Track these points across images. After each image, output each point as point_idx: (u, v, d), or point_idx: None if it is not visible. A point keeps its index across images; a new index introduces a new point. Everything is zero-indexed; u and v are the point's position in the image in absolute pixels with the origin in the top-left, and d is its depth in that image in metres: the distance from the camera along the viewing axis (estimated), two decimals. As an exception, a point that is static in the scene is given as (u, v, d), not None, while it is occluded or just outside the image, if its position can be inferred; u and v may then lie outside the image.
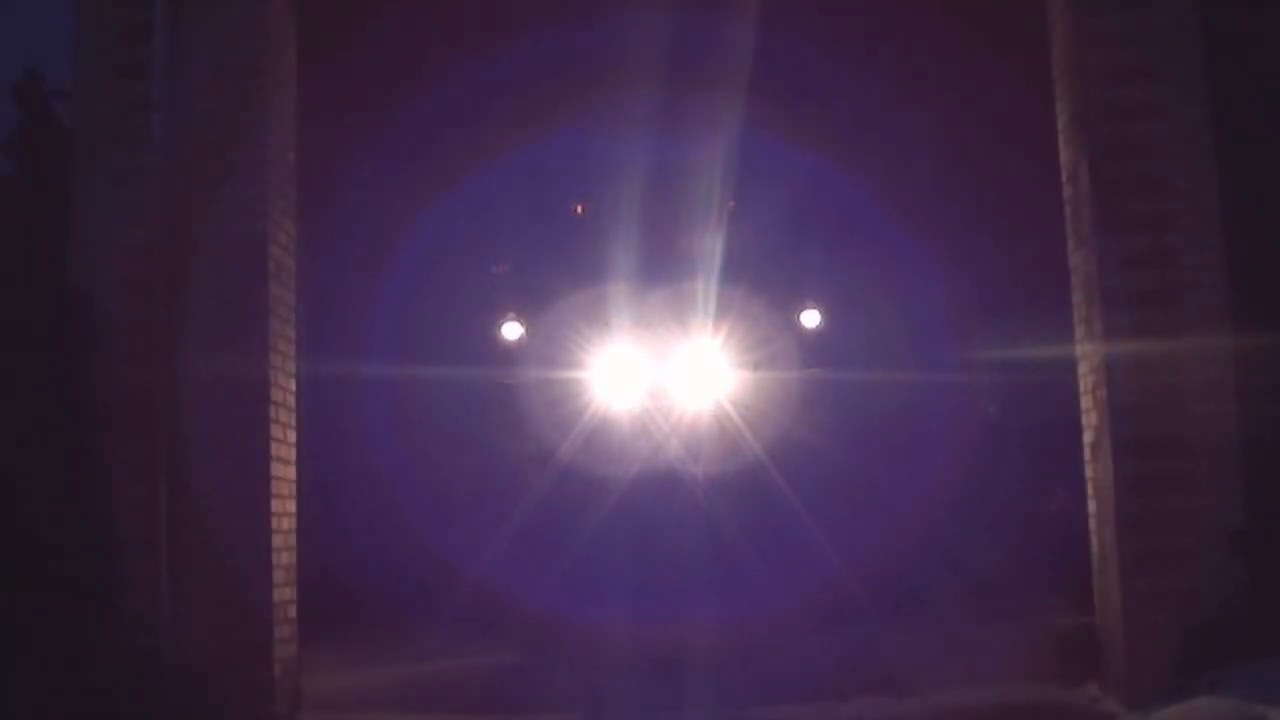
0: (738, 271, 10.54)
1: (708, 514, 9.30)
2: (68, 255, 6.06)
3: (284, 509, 6.10)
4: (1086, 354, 6.17)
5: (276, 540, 5.96)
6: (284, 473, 6.12)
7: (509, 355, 10.63)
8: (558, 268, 10.53)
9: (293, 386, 6.32)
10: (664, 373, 9.78)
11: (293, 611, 6.14)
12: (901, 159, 11.19)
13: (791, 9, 9.11)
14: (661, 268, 10.38)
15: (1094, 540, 6.17)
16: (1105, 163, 5.98)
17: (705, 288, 10.20)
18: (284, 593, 6.03)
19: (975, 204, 11.31)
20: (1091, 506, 6.19)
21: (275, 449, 6.00)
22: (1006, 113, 9.56)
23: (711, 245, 10.42)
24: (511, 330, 10.76)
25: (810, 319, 11.19)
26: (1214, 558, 5.73)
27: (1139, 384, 5.86)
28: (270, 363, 6.02)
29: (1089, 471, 6.20)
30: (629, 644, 7.76)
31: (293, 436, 6.28)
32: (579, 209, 10.96)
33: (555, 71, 9.73)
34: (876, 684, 6.41)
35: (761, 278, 10.77)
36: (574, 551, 8.87)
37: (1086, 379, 6.18)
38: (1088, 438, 6.21)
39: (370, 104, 11.10)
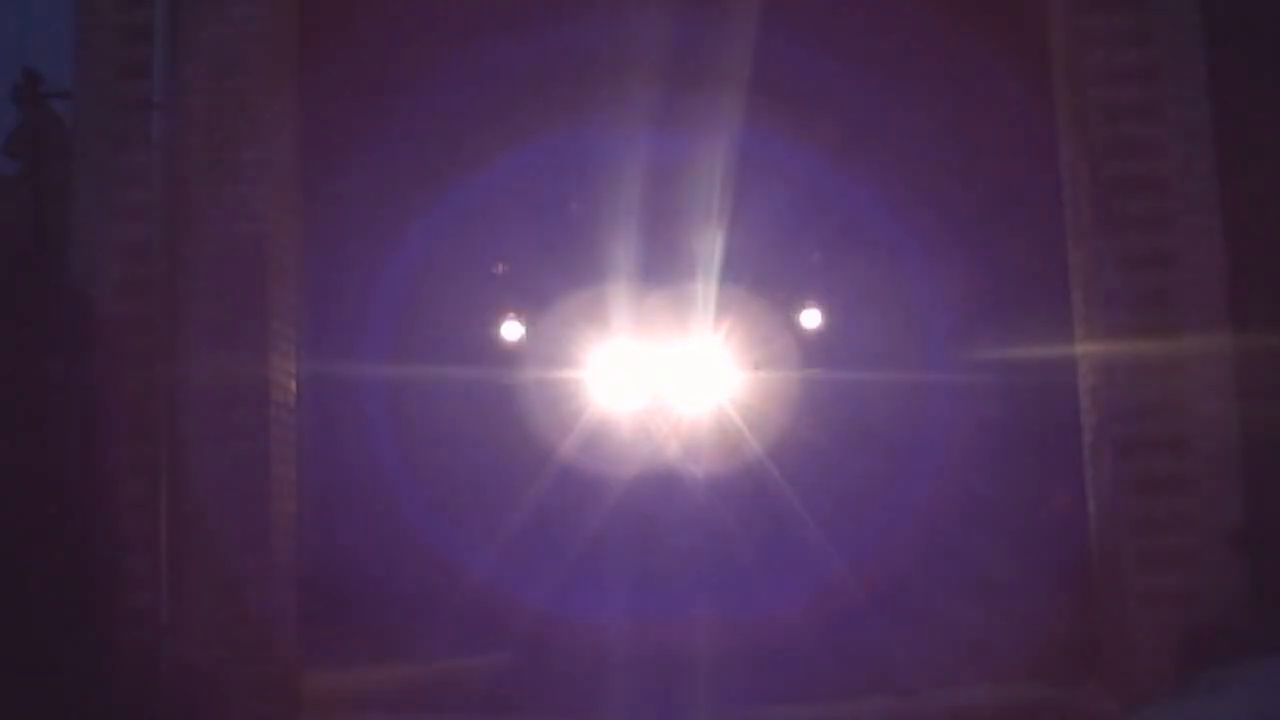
0: (738, 271, 10.54)
1: (708, 514, 9.29)
2: (68, 255, 6.05)
3: (284, 509, 6.10)
4: (1086, 354, 6.17)
5: (276, 540, 5.96)
6: (284, 473, 6.12)
7: (509, 355, 10.62)
8: (558, 268, 10.53)
9: (293, 386, 6.31)
10: (664, 373, 9.77)
11: (293, 611, 6.14)
12: (902, 159, 11.20)
13: (791, 9, 9.12)
14: (662, 268, 10.38)
15: (1094, 540, 6.17)
16: (1105, 163, 5.97)
17: (705, 288, 10.20)
18: (284, 593, 6.03)
19: (976, 204, 11.33)
20: (1091, 506, 6.19)
21: (275, 449, 6.00)
22: (1006, 113, 9.57)
23: (711, 245, 10.43)
24: (511, 330, 10.76)
25: (810, 319, 11.19)
26: (1214, 558, 5.73)
27: (1139, 384, 5.85)
28: (270, 362, 6.02)
29: (1089, 471, 6.20)
30: (629, 644, 7.76)
31: (293, 436, 6.27)
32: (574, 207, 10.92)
33: (555, 71, 9.74)
34: (876, 684, 6.41)
35: (762, 278, 10.77)
36: (574, 552, 8.87)
37: (1086, 379, 6.18)
38: (1088, 438, 6.21)
39: (370, 104, 11.11)
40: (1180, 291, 5.89)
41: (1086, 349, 6.17)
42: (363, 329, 11.24)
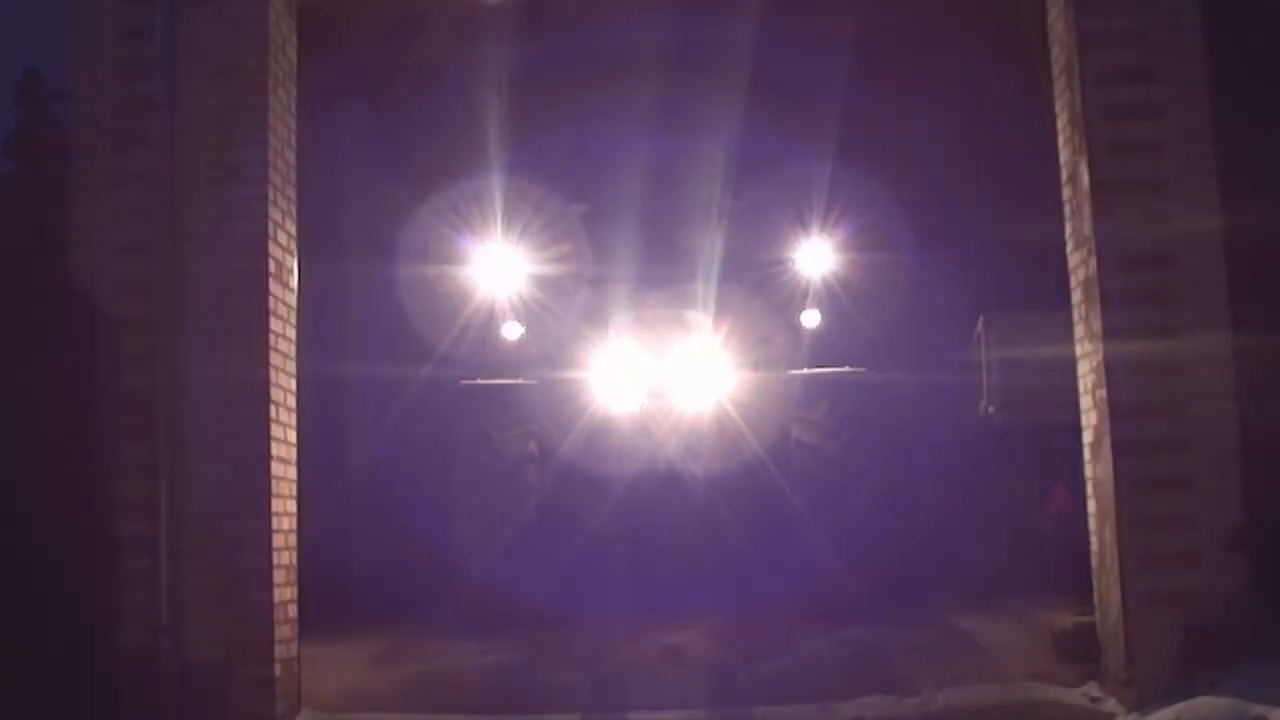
0: (738, 272, 10.55)
1: (708, 514, 9.29)
2: (68, 255, 6.05)
3: (284, 509, 6.10)
4: (1086, 354, 6.17)
5: (276, 540, 5.96)
6: (284, 473, 6.12)
7: (509, 355, 10.63)
8: (558, 267, 10.54)
9: (293, 386, 6.31)
10: (664, 373, 9.76)
11: (293, 611, 6.14)
12: (902, 159, 11.21)
13: (793, 9, 9.12)
14: (662, 268, 10.39)
15: (1094, 540, 6.17)
16: (1105, 163, 5.97)
17: (705, 288, 10.19)
18: (284, 593, 6.02)
19: (976, 204, 11.34)
20: (1091, 506, 6.19)
21: (275, 449, 6.00)
22: (1007, 113, 9.57)
23: (712, 245, 10.43)
24: (511, 330, 10.76)
25: (810, 319, 11.19)
26: (1214, 558, 5.73)
27: (1139, 384, 5.85)
28: (270, 363, 6.02)
29: (1089, 471, 6.20)
30: (629, 643, 7.77)
31: (293, 436, 6.27)
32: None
33: (555, 71, 9.75)
34: (876, 684, 6.41)
35: (762, 278, 10.78)
36: (574, 551, 8.87)
37: (1086, 379, 6.18)
38: (1088, 438, 6.21)
39: (370, 104, 11.13)
40: (1180, 291, 5.89)
41: (1086, 349, 6.17)
42: (363, 329, 11.26)
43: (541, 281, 10.57)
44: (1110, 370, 5.88)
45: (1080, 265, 6.19)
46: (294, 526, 6.22)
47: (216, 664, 5.79)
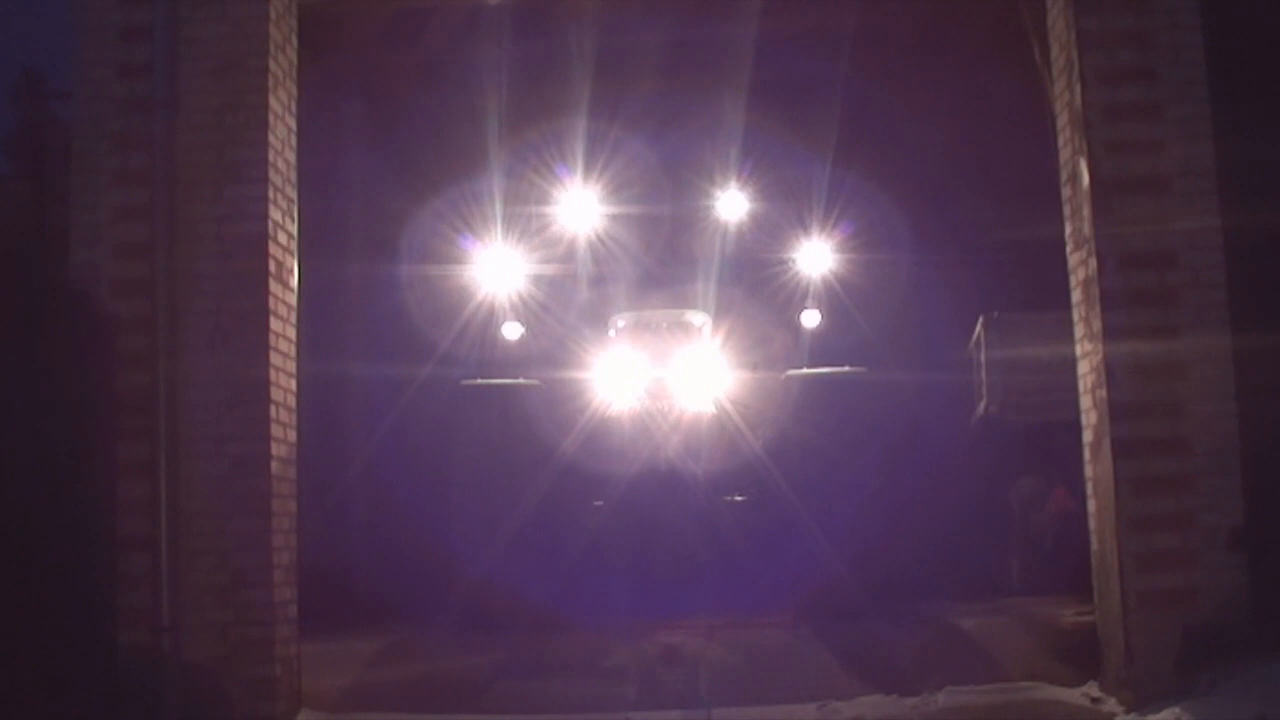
0: (738, 272, 10.56)
1: (707, 513, 9.29)
2: (68, 255, 6.06)
3: (284, 509, 6.10)
4: (1086, 354, 6.17)
5: (276, 540, 5.96)
6: (284, 472, 6.12)
7: (509, 355, 10.64)
8: (558, 266, 10.55)
9: (293, 386, 6.31)
10: (664, 372, 9.77)
11: (293, 611, 6.14)
12: (901, 159, 11.21)
13: (793, 9, 9.12)
14: (662, 267, 10.40)
15: (1094, 540, 6.17)
16: (1105, 163, 5.98)
17: (705, 288, 10.21)
18: (284, 592, 6.03)
19: (975, 204, 11.34)
20: (1091, 506, 6.19)
21: (275, 449, 6.00)
22: (1006, 112, 9.57)
23: (712, 245, 10.45)
24: (511, 330, 10.77)
25: (810, 319, 11.21)
26: (1214, 558, 5.73)
27: (1139, 384, 5.86)
28: (270, 363, 6.02)
29: (1089, 471, 6.20)
30: (629, 643, 7.76)
31: (293, 436, 6.27)
32: None
33: (554, 71, 9.75)
34: (876, 684, 6.41)
35: (762, 278, 10.79)
36: (574, 551, 8.87)
37: (1086, 379, 6.19)
38: (1087, 438, 6.21)
39: (370, 104, 11.12)
40: (1180, 291, 5.90)
41: (1086, 349, 6.17)
42: (363, 329, 11.26)
43: (541, 281, 10.58)
44: (1110, 370, 5.89)
45: (1080, 265, 6.19)
46: (294, 526, 6.23)
47: (216, 664, 5.79)
